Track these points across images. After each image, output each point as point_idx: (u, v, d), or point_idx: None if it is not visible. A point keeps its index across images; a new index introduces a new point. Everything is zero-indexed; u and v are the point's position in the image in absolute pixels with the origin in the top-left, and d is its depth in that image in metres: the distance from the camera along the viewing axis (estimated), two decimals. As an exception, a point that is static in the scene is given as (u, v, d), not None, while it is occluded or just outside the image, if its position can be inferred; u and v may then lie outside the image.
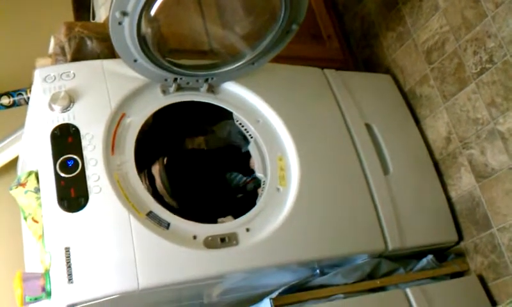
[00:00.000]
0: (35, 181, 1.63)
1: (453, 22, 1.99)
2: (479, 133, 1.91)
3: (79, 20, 2.90)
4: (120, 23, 1.46)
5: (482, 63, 1.89)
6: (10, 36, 2.52)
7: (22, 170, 1.98)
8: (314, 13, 2.45)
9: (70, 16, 2.88)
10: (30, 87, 1.86)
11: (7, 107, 2.11)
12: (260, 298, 1.63)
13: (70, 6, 2.95)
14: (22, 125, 1.95)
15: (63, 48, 1.85)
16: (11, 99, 2.11)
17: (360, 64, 2.49)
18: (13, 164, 2.15)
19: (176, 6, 1.74)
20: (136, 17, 1.44)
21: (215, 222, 1.65)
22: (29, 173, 1.66)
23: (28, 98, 2.08)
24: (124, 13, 1.43)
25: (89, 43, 1.83)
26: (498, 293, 1.85)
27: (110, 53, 1.79)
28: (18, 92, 2.13)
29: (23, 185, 1.64)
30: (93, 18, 2.82)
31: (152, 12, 1.51)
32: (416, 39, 2.17)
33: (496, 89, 1.84)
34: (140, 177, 1.62)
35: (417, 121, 2.17)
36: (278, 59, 1.79)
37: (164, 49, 1.77)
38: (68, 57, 1.81)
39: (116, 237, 1.46)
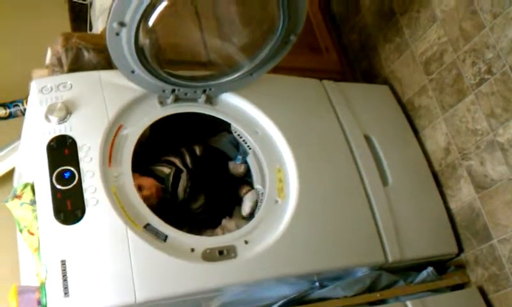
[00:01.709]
0: (31, 194, 1.62)
1: (451, 33, 1.99)
2: (478, 144, 1.90)
3: (76, 31, 2.90)
4: (117, 34, 1.46)
5: (480, 74, 1.88)
6: (6, 47, 2.51)
7: (18, 182, 1.96)
8: (312, 24, 2.46)
9: (67, 27, 2.88)
10: (26, 99, 1.85)
11: (3, 118, 2.10)
12: (259, 311, 1.61)
13: (67, 17, 2.95)
14: (18, 137, 1.93)
15: (59, 59, 1.85)
16: (8, 110, 2.10)
17: (358, 75, 2.49)
18: (9, 175, 2.13)
19: (174, 16, 1.73)
20: (134, 28, 1.44)
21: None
22: (25, 185, 1.64)
23: (24, 109, 2.07)
24: (122, 24, 1.43)
25: (86, 54, 1.82)
26: (499, 306, 1.84)
27: (107, 64, 1.78)
28: (14, 103, 2.11)
29: (19, 197, 1.62)
30: (90, 30, 2.82)
31: (150, 23, 1.50)
32: (414, 51, 2.16)
33: (496, 100, 1.83)
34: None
35: (416, 132, 2.16)
36: (276, 70, 1.78)
37: (161, 60, 1.77)
38: (65, 68, 1.81)
39: (113, 250, 1.44)
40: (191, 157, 1.87)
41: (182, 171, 1.82)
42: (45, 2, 2.83)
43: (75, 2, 2.88)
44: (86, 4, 2.88)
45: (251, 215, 1.76)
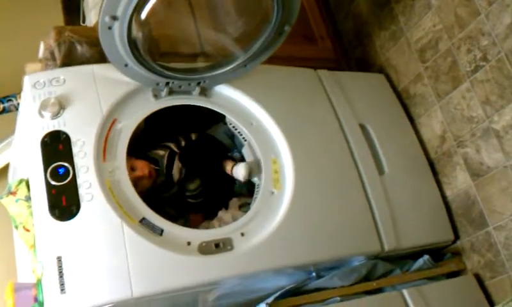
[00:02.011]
0: (26, 190, 1.61)
1: (446, 21, 1.98)
2: (473, 131, 1.90)
3: (69, 23, 2.87)
4: (109, 28, 1.45)
5: (476, 61, 1.88)
6: (-1, 41, 2.49)
7: (13, 177, 1.96)
8: (306, 13, 2.44)
9: (60, 19, 2.85)
10: (20, 93, 1.84)
11: (-3, 113, 2.09)
12: (256, 302, 1.62)
13: (60, 9, 2.93)
14: (12, 132, 1.92)
15: (52, 53, 1.83)
16: (1, 105, 2.09)
17: (353, 63, 2.48)
18: (3, 171, 2.12)
19: (167, 8, 1.72)
20: (126, 21, 1.43)
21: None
22: (20, 181, 1.63)
23: (18, 104, 2.06)
24: (114, 18, 1.42)
25: (79, 48, 1.81)
26: (495, 292, 1.84)
27: (100, 57, 1.76)
28: (7, 98, 2.10)
29: (13, 193, 1.62)
30: (84, 22, 2.80)
31: (143, 16, 1.49)
32: (410, 38, 2.15)
33: (491, 87, 1.83)
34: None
35: (411, 120, 2.16)
36: (271, 60, 1.77)
37: (155, 53, 1.75)
38: (58, 62, 1.79)
39: (109, 245, 1.44)
40: (186, 142, 1.88)
41: (176, 153, 1.83)
42: (38, -4, 2.81)
43: (68, -6, 2.86)
44: (79, -4, 2.86)
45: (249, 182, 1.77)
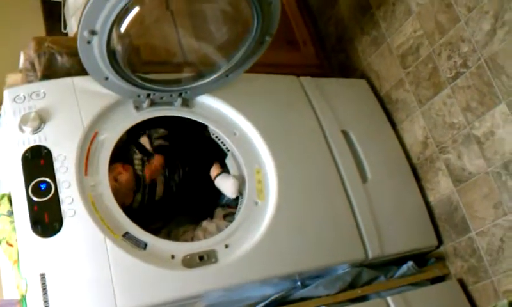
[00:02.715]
0: (8, 205, 1.59)
1: (427, 27, 1.99)
2: (455, 137, 1.92)
3: (50, 30, 2.85)
4: (88, 42, 1.44)
5: (456, 68, 1.89)
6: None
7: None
8: (288, 18, 2.43)
9: (40, 26, 2.83)
10: (1, 104, 1.82)
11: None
12: (241, 313, 1.62)
13: (41, 16, 2.90)
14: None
15: (33, 64, 1.81)
16: (-19, 117, 2.06)
17: (336, 68, 2.48)
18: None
19: (148, 18, 1.71)
20: (105, 36, 1.42)
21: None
22: (2, 196, 1.62)
23: (-1, 115, 2.03)
24: (93, 32, 1.41)
25: (59, 59, 1.79)
26: (478, 297, 1.86)
27: (81, 68, 1.73)
28: (-13, 109, 2.07)
29: (-5, 208, 1.60)
30: (65, 28, 2.77)
31: (122, 28, 1.48)
32: (391, 44, 2.16)
33: (472, 94, 1.84)
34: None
35: (394, 126, 2.17)
36: (253, 67, 1.76)
37: (136, 63, 1.75)
38: (38, 73, 1.77)
39: (92, 261, 1.44)
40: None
41: (151, 155, 1.84)
42: (18, 1, 2.77)
43: (48, 0, 2.83)
44: (60, 2, 2.83)
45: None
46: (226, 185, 1.76)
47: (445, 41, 1.92)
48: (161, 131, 1.91)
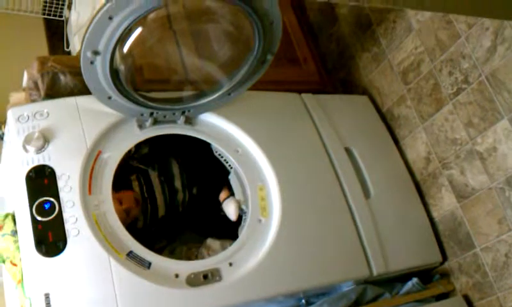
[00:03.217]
0: (12, 224, 1.60)
1: (427, 43, 2.00)
2: (458, 153, 1.92)
3: (52, 47, 2.87)
4: (92, 63, 1.44)
5: (457, 84, 1.90)
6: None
7: (1, 207, 1.93)
8: (290, 36, 2.44)
9: (43, 44, 2.85)
10: (4, 123, 1.82)
11: (-19, 142, 2.07)
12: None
13: (44, 34, 2.93)
14: (-1, 160, 1.91)
15: (36, 83, 1.82)
16: (-15, 134, 2.06)
17: (337, 85, 2.49)
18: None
19: (151, 38, 1.72)
20: (108, 56, 1.42)
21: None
22: (6, 216, 1.62)
23: (3, 133, 2.04)
24: (96, 52, 1.41)
25: (62, 78, 1.80)
26: (484, 314, 1.86)
27: (84, 87, 1.75)
28: (-8, 127, 2.08)
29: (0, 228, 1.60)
30: (67, 47, 2.80)
31: (125, 49, 1.49)
32: (392, 60, 2.17)
33: (473, 110, 1.85)
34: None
35: (396, 142, 2.17)
36: (256, 85, 1.76)
37: (139, 81, 1.76)
38: (42, 93, 1.78)
39: (97, 281, 1.43)
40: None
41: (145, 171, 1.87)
42: (21, 20, 2.79)
43: (51, 19, 2.86)
44: (62, 21, 2.86)
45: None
46: (229, 210, 1.78)
47: (446, 58, 1.93)
48: (144, 151, 1.92)
